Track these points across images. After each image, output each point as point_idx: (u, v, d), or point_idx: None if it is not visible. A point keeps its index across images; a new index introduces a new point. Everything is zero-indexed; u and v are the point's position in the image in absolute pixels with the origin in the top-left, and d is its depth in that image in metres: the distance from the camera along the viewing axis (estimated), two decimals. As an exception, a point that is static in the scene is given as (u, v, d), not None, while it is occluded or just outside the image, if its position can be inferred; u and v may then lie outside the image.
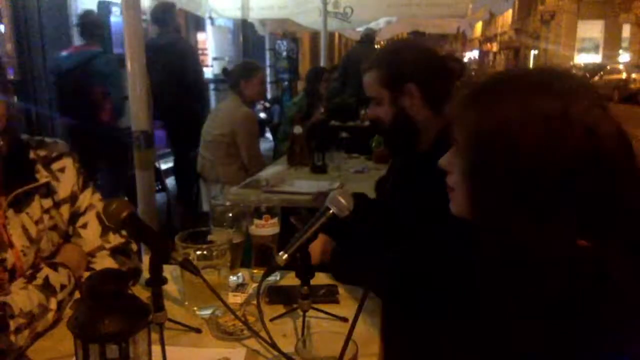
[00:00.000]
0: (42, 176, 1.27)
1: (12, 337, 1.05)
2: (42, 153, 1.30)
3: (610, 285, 0.75)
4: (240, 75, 3.55)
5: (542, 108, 0.80)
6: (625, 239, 0.77)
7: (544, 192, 0.79)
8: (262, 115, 7.58)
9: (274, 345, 1.05)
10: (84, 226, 1.33)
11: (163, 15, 4.34)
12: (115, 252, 1.34)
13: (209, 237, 1.37)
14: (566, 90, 0.82)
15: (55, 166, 1.31)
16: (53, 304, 1.15)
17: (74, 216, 1.34)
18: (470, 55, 54.09)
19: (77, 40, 5.13)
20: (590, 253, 0.77)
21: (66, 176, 1.32)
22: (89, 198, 1.36)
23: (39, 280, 1.15)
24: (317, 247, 1.53)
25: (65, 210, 1.32)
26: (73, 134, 3.97)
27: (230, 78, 3.67)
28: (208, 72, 7.65)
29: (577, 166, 0.78)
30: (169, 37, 4.33)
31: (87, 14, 4.10)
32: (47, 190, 1.28)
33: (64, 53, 4.06)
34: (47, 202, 1.28)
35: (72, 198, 1.33)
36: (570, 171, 0.78)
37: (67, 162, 1.34)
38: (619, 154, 0.79)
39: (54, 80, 4.16)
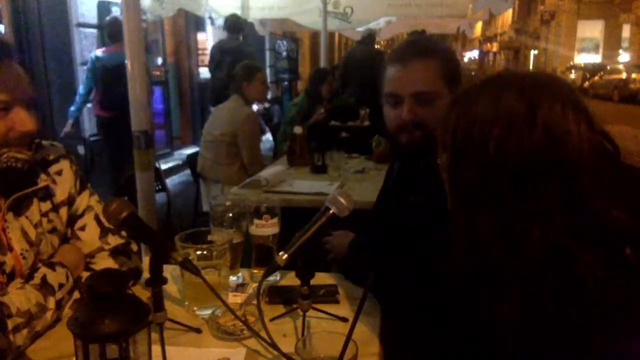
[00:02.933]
0: (41, 179, 1.27)
1: (11, 337, 1.04)
2: (39, 156, 1.28)
3: (580, 288, 0.76)
4: (242, 78, 3.57)
5: (510, 108, 0.82)
6: (596, 240, 0.78)
7: (507, 190, 0.81)
8: (259, 105, 7.59)
9: (274, 345, 1.05)
10: (83, 228, 1.33)
11: (233, 24, 5.43)
12: (115, 252, 1.34)
13: (209, 237, 1.37)
14: (539, 92, 0.83)
15: (53, 169, 1.31)
16: (51, 303, 1.15)
17: (72, 218, 1.33)
18: (470, 55, 54.11)
19: (77, 40, 5.17)
20: (566, 254, 0.77)
21: (64, 179, 1.32)
22: (87, 200, 1.35)
23: (36, 280, 1.15)
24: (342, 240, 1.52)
25: (63, 212, 1.31)
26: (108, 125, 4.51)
27: (233, 81, 3.68)
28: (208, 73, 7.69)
29: (538, 167, 0.79)
30: (234, 42, 5.44)
31: (115, 19, 4.60)
32: (46, 194, 1.28)
33: (102, 53, 4.52)
34: (46, 205, 1.28)
35: (70, 200, 1.33)
36: (532, 171, 0.80)
37: (65, 165, 1.33)
38: (588, 157, 0.79)
39: (100, 75, 4.47)
